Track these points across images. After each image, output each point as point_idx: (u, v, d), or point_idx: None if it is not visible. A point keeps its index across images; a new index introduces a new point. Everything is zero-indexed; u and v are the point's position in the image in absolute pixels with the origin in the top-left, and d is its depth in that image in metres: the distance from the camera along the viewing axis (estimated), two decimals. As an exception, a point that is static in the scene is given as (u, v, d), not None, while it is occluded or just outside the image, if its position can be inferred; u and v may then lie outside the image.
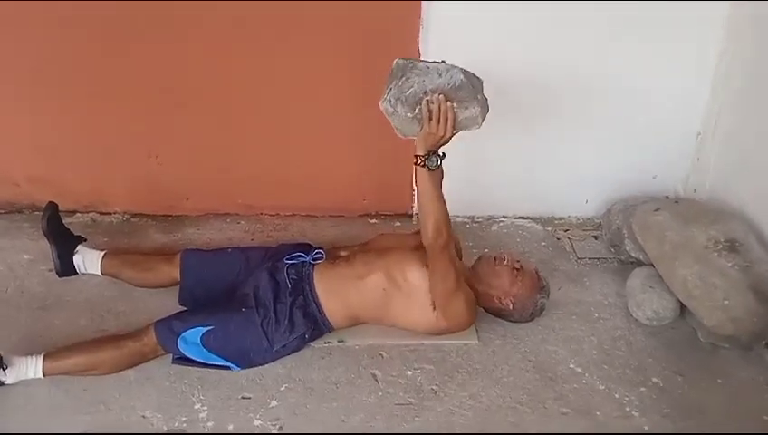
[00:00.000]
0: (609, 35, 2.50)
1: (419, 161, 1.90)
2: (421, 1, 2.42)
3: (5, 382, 1.94)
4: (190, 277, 2.26)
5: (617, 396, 2.07)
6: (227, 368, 2.06)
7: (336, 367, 2.12)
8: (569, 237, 2.81)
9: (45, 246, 2.35)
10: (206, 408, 1.96)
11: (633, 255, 2.57)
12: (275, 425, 1.93)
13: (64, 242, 2.36)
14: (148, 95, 2.55)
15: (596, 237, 2.81)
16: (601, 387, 2.10)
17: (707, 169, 2.71)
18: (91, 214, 2.77)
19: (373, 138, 2.64)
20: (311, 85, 2.55)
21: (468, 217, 2.88)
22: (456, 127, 1.86)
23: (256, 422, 1.93)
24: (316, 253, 2.24)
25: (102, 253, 2.37)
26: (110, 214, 2.78)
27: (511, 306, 2.16)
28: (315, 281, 2.13)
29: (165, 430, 1.89)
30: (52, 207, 2.34)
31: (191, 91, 2.56)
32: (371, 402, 2.01)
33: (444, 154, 1.93)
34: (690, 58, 2.58)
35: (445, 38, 2.44)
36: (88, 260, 2.36)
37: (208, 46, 2.47)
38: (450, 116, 1.83)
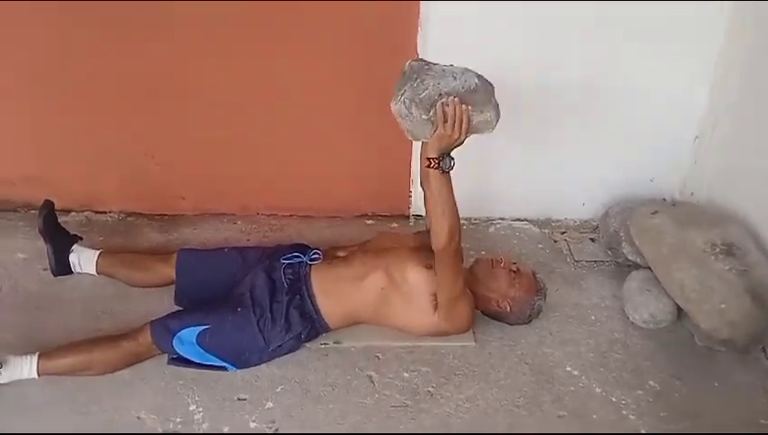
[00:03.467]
0: (607, 38, 2.49)
1: (433, 164, 1.86)
2: (420, 0, 2.42)
3: (-1, 382, 1.93)
4: (186, 277, 2.25)
5: (613, 399, 2.07)
6: (223, 368, 2.05)
7: (332, 369, 2.11)
8: (566, 240, 2.81)
9: (40, 245, 2.34)
10: (201, 409, 1.95)
11: (630, 258, 2.57)
12: (271, 427, 1.92)
13: (60, 241, 2.34)
14: (144, 94, 2.54)
15: (593, 240, 2.81)
16: (598, 390, 2.10)
17: (705, 173, 2.71)
18: (86, 213, 2.76)
19: (371, 138, 2.64)
20: (308, 85, 2.54)
21: (465, 219, 2.85)
22: (470, 130, 1.85)
23: (252, 424, 1.92)
24: (313, 253, 2.23)
25: (98, 252, 2.36)
26: (105, 213, 2.77)
27: (509, 309, 2.16)
28: (312, 281, 2.13)
29: (159, 431, 1.88)
30: (49, 205, 2.33)
31: (188, 91, 2.54)
32: (367, 404, 2.00)
33: (454, 159, 1.90)
34: (688, 61, 2.58)
35: (443, 38, 2.44)
36: (83, 259, 2.35)
37: (205, 46, 2.46)
38: (465, 119, 1.81)
